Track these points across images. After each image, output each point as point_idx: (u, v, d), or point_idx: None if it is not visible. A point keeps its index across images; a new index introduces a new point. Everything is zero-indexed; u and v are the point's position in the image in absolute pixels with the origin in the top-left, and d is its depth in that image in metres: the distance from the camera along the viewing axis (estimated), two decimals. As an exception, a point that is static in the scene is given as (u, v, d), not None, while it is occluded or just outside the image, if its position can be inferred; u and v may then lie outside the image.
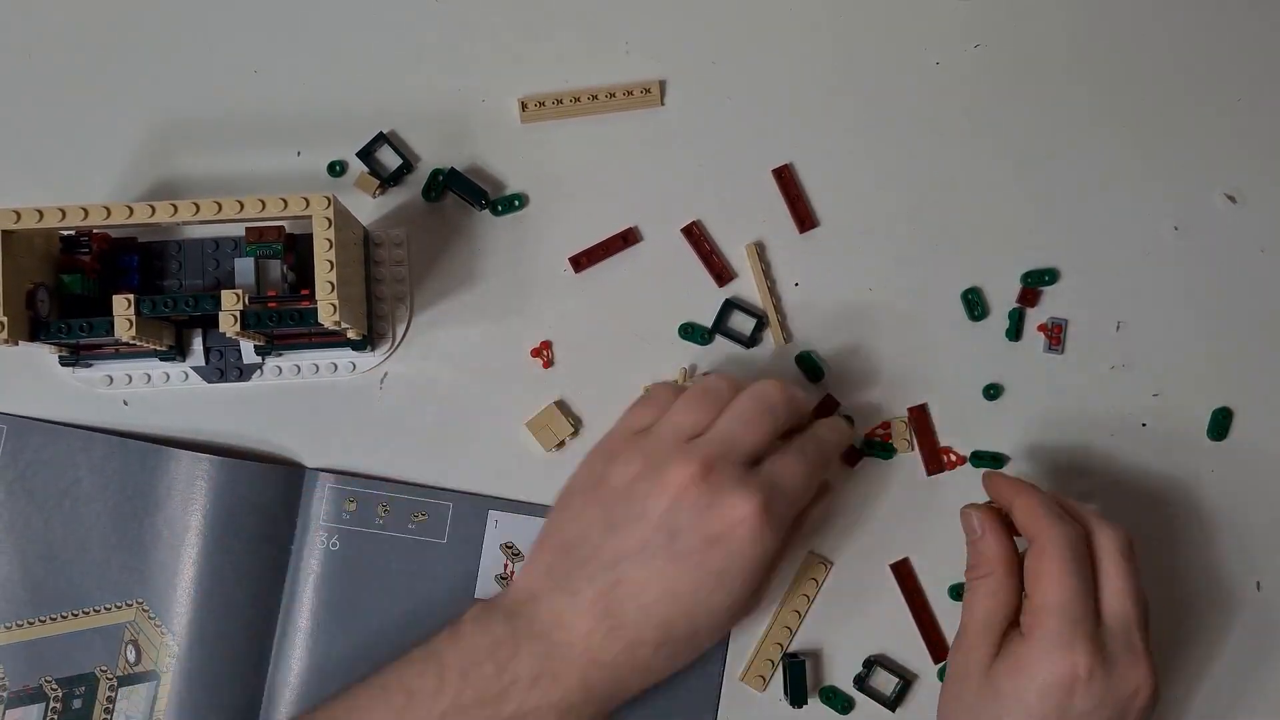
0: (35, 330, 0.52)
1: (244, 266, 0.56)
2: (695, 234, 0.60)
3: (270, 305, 0.53)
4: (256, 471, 0.57)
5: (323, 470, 0.57)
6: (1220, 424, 0.59)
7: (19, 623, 0.56)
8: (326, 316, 0.51)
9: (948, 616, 0.59)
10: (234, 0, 0.61)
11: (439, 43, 0.61)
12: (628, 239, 0.60)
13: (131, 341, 0.52)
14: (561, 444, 0.58)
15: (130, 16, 0.60)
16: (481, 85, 0.60)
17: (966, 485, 0.59)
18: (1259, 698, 0.59)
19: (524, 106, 0.60)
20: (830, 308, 0.60)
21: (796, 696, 0.57)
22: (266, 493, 0.57)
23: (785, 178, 0.60)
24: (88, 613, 0.56)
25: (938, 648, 0.58)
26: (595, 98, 0.60)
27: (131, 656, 0.56)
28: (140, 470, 0.56)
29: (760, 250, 0.59)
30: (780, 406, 0.51)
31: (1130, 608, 0.49)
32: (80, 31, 0.60)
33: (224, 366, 0.58)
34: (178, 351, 0.57)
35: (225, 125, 0.60)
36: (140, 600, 0.56)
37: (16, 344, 0.51)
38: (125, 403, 0.58)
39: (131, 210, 0.51)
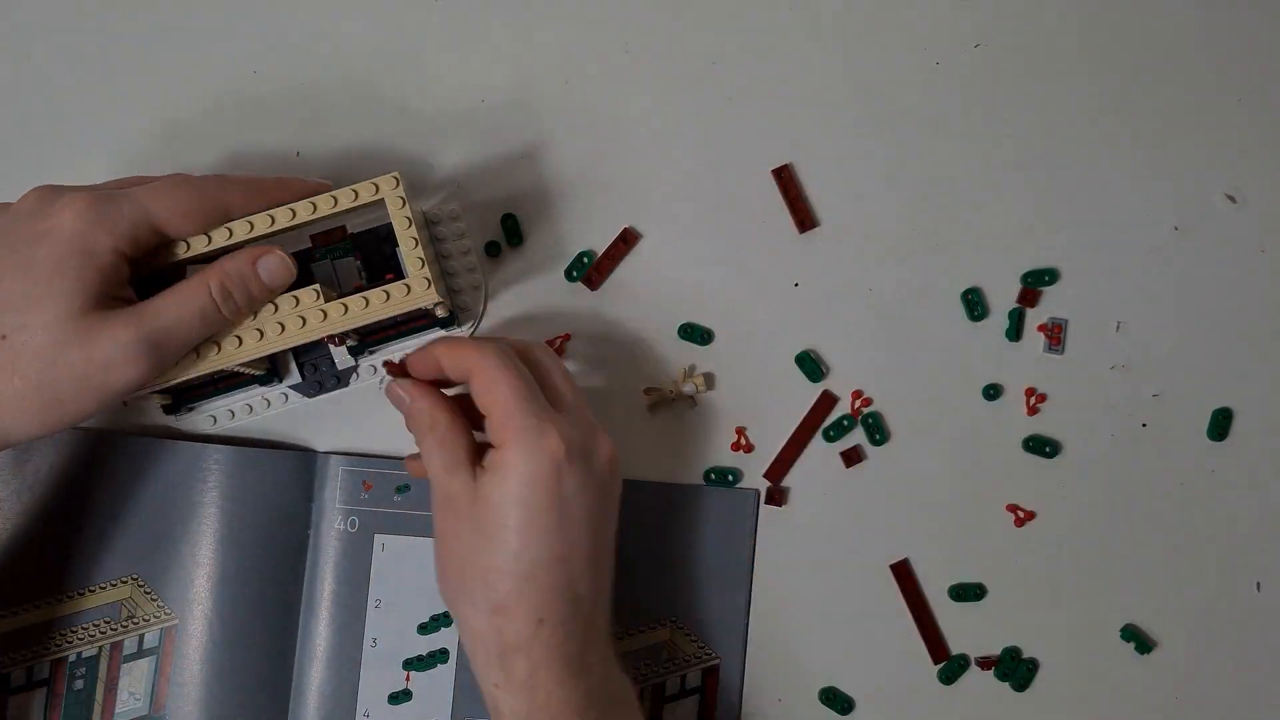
0: None
1: (323, 271, 0.55)
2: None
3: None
4: (267, 458, 0.57)
5: (335, 453, 0.58)
6: (1220, 424, 0.59)
7: (13, 610, 0.56)
8: (422, 291, 0.51)
9: (948, 617, 0.59)
10: (233, 1, 0.61)
11: (437, 43, 0.61)
12: (627, 239, 0.60)
13: (230, 370, 0.51)
14: None
15: (127, 18, 0.61)
16: (480, 85, 0.61)
17: (967, 484, 0.59)
18: (1259, 698, 0.59)
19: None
20: (830, 308, 0.60)
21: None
22: (280, 479, 0.57)
23: (785, 178, 0.60)
24: (83, 593, 0.56)
25: (937, 648, 0.58)
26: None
27: (130, 634, 0.56)
28: (139, 463, 0.56)
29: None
30: None
31: (571, 391, 0.52)
32: (78, 36, 0.61)
33: (321, 378, 0.58)
34: (274, 374, 0.57)
35: (224, 125, 0.60)
36: (135, 575, 0.56)
37: (125, 404, 0.50)
38: (125, 403, 0.58)
39: (210, 238, 0.51)
